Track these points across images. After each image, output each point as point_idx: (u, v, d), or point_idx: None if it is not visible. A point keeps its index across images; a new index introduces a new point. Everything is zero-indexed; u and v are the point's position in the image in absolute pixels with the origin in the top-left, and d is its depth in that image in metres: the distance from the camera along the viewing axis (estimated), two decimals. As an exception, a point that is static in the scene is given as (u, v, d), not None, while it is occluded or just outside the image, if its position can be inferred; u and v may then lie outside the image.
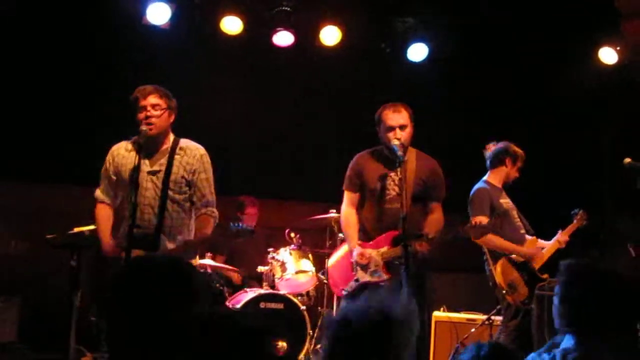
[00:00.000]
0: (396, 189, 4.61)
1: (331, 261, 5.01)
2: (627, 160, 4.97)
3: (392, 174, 4.66)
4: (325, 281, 5.96)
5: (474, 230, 4.56)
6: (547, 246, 5.45)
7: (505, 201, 5.39)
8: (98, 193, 4.40)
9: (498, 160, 5.45)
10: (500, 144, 5.49)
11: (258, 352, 1.59)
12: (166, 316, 1.92)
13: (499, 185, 5.44)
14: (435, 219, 4.75)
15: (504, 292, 5.25)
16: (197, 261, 4.51)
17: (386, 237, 4.67)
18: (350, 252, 4.71)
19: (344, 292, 4.69)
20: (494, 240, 5.11)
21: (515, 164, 5.43)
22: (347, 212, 4.82)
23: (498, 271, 5.30)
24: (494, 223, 4.67)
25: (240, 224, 4.19)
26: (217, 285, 5.87)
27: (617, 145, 5.60)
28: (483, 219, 4.97)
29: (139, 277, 2.00)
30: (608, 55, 6.48)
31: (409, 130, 4.63)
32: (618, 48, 6.37)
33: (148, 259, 2.25)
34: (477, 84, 7.36)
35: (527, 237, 5.40)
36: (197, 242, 4.26)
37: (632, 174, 4.87)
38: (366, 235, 4.75)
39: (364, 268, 4.63)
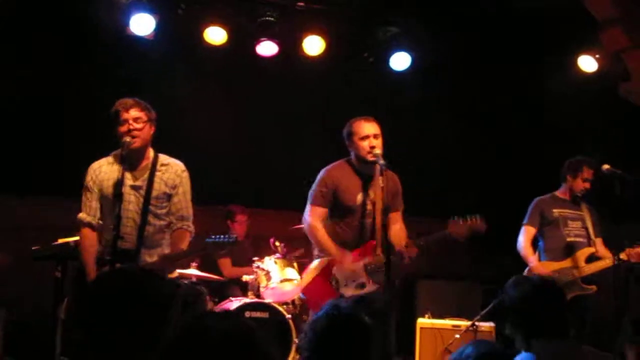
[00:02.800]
0: (370, 204, 4.66)
1: (305, 282, 4.86)
2: (606, 166, 5.06)
3: (370, 190, 4.69)
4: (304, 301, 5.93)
5: (459, 227, 4.58)
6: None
7: (561, 210, 5.64)
8: (82, 215, 4.30)
9: (562, 175, 5.75)
10: (569, 160, 5.73)
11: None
12: (129, 329, 1.96)
13: (566, 196, 5.71)
14: (400, 228, 4.80)
15: None
16: (175, 272, 4.51)
17: (366, 248, 4.68)
18: (328, 268, 4.64)
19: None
20: (523, 247, 5.62)
21: (577, 177, 5.63)
22: (319, 227, 4.68)
23: (530, 267, 5.59)
24: (472, 223, 4.62)
25: (221, 236, 4.20)
26: (199, 288, 5.81)
27: (597, 152, 5.69)
28: (528, 228, 5.58)
29: (103, 291, 2.04)
30: (588, 64, 6.55)
31: (381, 140, 4.65)
32: (597, 56, 6.44)
33: (114, 273, 2.29)
34: (459, 93, 7.44)
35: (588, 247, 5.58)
36: (174, 257, 4.24)
37: (610, 180, 4.95)
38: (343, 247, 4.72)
39: (349, 282, 4.63)
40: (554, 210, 5.64)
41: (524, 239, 5.66)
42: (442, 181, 7.51)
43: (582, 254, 5.53)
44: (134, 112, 4.20)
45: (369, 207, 4.71)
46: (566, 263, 5.54)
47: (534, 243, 5.73)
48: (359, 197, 4.71)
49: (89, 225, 4.28)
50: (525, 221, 5.69)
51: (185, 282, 5.79)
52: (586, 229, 5.61)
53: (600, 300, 5.49)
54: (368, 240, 4.71)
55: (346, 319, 2.53)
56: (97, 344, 1.96)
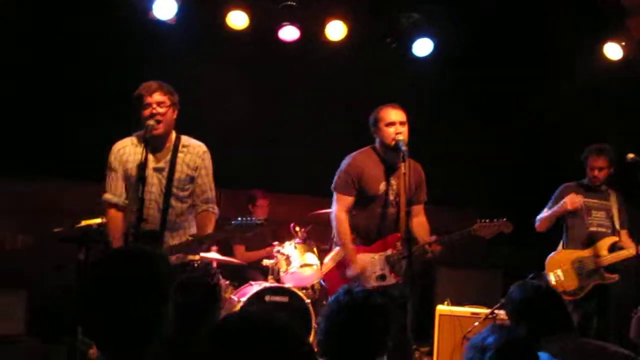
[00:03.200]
0: (393, 194, 4.65)
1: (325, 268, 4.89)
2: (631, 155, 5.01)
3: (393, 179, 4.68)
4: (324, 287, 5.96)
5: (485, 229, 4.58)
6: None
7: (586, 199, 5.57)
8: (108, 196, 4.32)
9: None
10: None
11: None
12: (131, 310, 1.97)
13: (590, 183, 5.64)
14: (422, 222, 4.80)
15: (549, 276, 5.55)
16: (198, 256, 4.53)
17: (389, 239, 4.68)
18: (347, 262, 4.64)
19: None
20: (542, 216, 5.62)
21: (587, 167, 5.59)
22: (342, 218, 4.67)
23: (548, 259, 5.64)
24: (501, 224, 4.63)
25: (248, 218, 4.20)
26: (211, 280, 5.83)
27: (622, 139, 5.63)
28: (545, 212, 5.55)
29: (105, 272, 2.06)
30: (613, 51, 6.47)
31: (407, 128, 4.63)
32: (623, 44, 6.36)
33: (118, 253, 2.31)
34: (482, 79, 7.37)
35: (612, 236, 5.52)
36: (203, 238, 4.24)
37: (635, 168, 4.90)
38: (364, 240, 4.72)
39: (370, 273, 4.62)
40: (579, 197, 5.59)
41: (542, 215, 5.68)
42: (463, 169, 7.45)
43: (605, 242, 5.49)
44: (157, 96, 4.20)
45: (392, 196, 4.69)
46: (588, 252, 5.51)
47: (558, 234, 5.69)
48: (382, 186, 4.69)
49: (115, 205, 4.31)
50: (549, 205, 5.66)
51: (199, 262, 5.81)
52: (611, 219, 5.55)
53: (623, 290, 5.46)
54: (391, 231, 4.68)
55: (359, 302, 2.55)
56: (98, 325, 2.00)
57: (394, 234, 4.68)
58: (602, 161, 5.49)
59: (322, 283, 5.33)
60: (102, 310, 1.98)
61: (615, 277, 5.43)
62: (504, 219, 4.63)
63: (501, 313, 5.91)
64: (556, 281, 5.56)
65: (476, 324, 5.91)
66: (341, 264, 4.73)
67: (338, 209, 4.71)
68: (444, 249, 4.62)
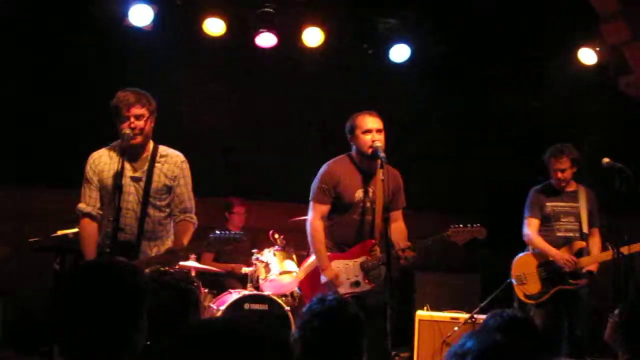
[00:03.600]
0: (369, 201, 4.66)
1: (300, 277, 4.92)
2: (606, 160, 5.04)
3: (370, 186, 4.68)
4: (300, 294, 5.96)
5: (459, 234, 4.60)
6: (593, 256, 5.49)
7: (554, 205, 5.56)
8: (82, 206, 4.28)
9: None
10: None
11: None
12: (106, 320, 1.96)
13: (556, 186, 5.59)
14: (400, 228, 4.79)
15: (512, 280, 5.58)
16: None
17: (362, 246, 4.68)
18: (320, 270, 4.64)
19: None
20: (534, 239, 5.55)
21: (550, 170, 5.56)
22: (317, 226, 4.68)
23: (514, 261, 5.66)
24: (475, 230, 4.65)
25: (227, 232, 4.18)
26: (188, 285, 5.77)
27: (597, 145, 5.68)
28: (532, 220, 5.51)
29: (79, 282, 2.05)
30: (588, 56, 6.54)
31: (384, 135, 4.63)
32: (597, 49, 6.43)
33: (86, 266, 2.30)
34: (459, 84, 7.43)
35: (580, 241, 5.50)
36: (179, 251, 4.22)
37: (610, 173, 4.94)
38: (339, 247, 4.73)
39: (343, 280, 4.62)
40: (548, 204, 5.58)
41: (530, 231, 5.60)
42: (441, 174, 7.50)
43: (573, 247, 5.47)
44: (135, 110, 4.15)
45: (368, 204, 4.69)
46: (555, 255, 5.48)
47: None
48: (359, 194, 4.70)
49: (89, 215, 4.26)
50: (527, 214, 5.63)
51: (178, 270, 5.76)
52: (579, 223, 5.52)
53: (596, 294, 5.50)
54: (367, 238, 4.70)
55: (331, 309, 2.55)
56: (73, 339, 1.97)
57: (368, 240, 4.69)
58: (564, 162, 5.45)
59: (298, 291, 5.32)
60: (75, 323, 1.96)
61: (581, 282, 5.42)
62: (478, 225, 4.66)
63: (481, 318, 5.94)
64: (518, 284, 5.58)
65: (456, 328, 5.92)
66: (315, 272, 4.73)
67: (313, 217, 4.72)
68: (418, 255, 4.63)
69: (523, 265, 5.61)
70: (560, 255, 5.44)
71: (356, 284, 4.63)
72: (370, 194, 4.69)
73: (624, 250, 5.12)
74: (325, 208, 4.71)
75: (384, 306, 4.24)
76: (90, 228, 4.25)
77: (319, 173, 4.78)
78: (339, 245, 4.73)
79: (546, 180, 5.66)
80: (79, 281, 2.04)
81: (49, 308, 2.03)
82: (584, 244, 5.48)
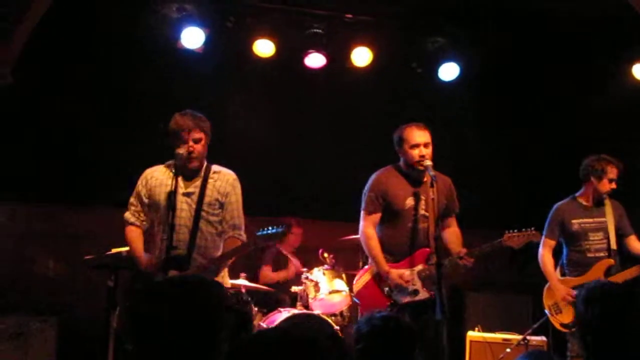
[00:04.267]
0: (424, 208, 4.62)
1: (356, 287, 4.92)
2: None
3: (421, 194, 4.67)
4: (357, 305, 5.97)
5: (514, 239, 4.55)
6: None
7: (581, 221, 5.40)
8: (128, 215, 4.47)
9: (583, 176, 5.48)
10: (586, 159, 5.46)
11: None
12: (182, 340, 1.94)
13: (588, 202, 5.45)
14: (455, 233, 4.83)
15: (546, 311, 5.41)
16: (228, 282, 4.55)
17: (419, 255, 4.67)
18: (383, 276, 4.67)
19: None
20: (544, 263, 5.42)
21: (602, 178, 5.35)
22: (370, 234, 4.74)
23: (545, 289, 5.51)
24: (530, 234, 4.59)
25: (270, 227, 4.21)
26: (243, 307, 5.84)
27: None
28: (547, 240, 5.37)
29: (153, 300, 2.02)
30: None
31: (431, 149, 4.65)
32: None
33: (175, 281, 2.26)
34: (508, 102, 7.35)
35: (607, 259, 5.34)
36: (222, 257, 4.29)
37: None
38: (393, 256, 4.74)
39: (402, 289, 4.62)
40: (574, 222, 5.38)
41: (543, 251, 5.46)
42: (492, 191, 7.40)
43: (600, 267, 5.30)
44: (195, 134, 4.29)
45: (422, 211, 4.69)
46: (585, 278, 5.27)
47: (558, 253, 5.57)
48: (409, 201, 4.72)
49: (133, 224, 4.44)
50: (545, 233, 5.44)
51: (231, 290, 5.83)
52: (608, 239, 5.33)
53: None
54: (422, 246, 4.69)
55: (378, 329, 2.53)
56: (149, 355, 1.95)
57: (422, 248, 4.68)
58: (617, 172, 5.32)
59: (356, 300, 5.31)
60: (155, 339, 1.95)
61: None
62: (532, 229, 4.63)
63: (533, 339, 5.83)
64: (552, 314, 5.40)
65: (508, 350, 5.82)
66: (374, 279, 4.75)
67: (365, 226, 4.79)
68: (475, 262, 4.60)
69: (554, 294, 5.42)
70: (559, 288, 5.33)
71: (415, 292, 4.63)
72: (422, 202, 4.68)
73: None
74: (375, 217, 4.76)
75: (437, 323, 4.20)
76: (135, 233, 4.43)
77: (368, 183, 4.85)
78: (393, 254, 4.73)
79: (569, 196, 5.52)
80: (157, 298, 2.03)
81: (121, 325, 2.02)
82: (612, 262, 5.29)
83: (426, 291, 4.62)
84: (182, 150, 4.22)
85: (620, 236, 5.41)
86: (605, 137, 6.87)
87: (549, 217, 5.51)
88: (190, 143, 4.26)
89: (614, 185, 5.35)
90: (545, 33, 6.64)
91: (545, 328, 5.78)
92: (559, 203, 5.53)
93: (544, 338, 5.88)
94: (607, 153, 5.45)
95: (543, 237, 5.45)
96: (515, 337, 5.94)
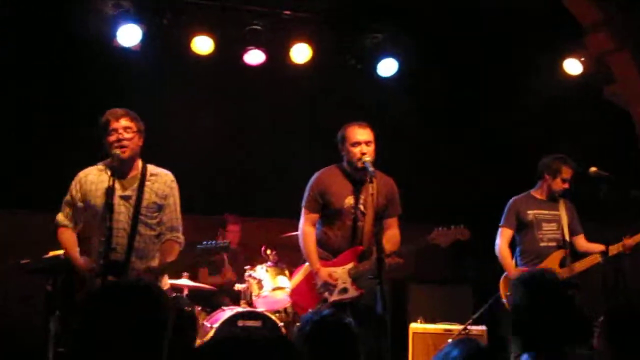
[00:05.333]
0: (362, 207, 4.68)
1: (292, 285, 4.96)
2: (593, 169, 5.08)
3: (361, 193, 4.71)
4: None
5: (443, 236, 4.61)
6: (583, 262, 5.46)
7: (536, 212, 5.53)
8: (61, 217, 4.36)
9: (539, 173, 5.61)
10: (544, 157, 5.59)
11: None
12: (137, 343, 1.95)
13: (542, 197, 5.58)
14: (393, 235, 4.81)
15: (503, 300, 5.54)
16: (167, 283, 4.50)
17: (350, 253, 4.71)
18: (314, 273, 4.71)
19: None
20: (501, 253, 5.55)
21: (556, 177, 5.49)
22: (307, 232, 4.78)
23: (502, 279, 5.61)
24: (458, 231, 4.65)
25: (213, 242, 4.21)
26: (188, 308, 5.80)
27: (582, 154, 5.72)
28: (504, 230, 5.51)
29: (110, 303, 2.02)
30: (573, 66, 6.61)
31: (373, 147, 4.69)
32: (582, 59, 6.50)
33: (120, 285, 2.26)
34: (446, 97, 7.48)
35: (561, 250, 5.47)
36: (159, 269, 4.23)
37: (597, 182, 4.97)
38: (329, 254, 4.77)
39: (332, 288, 4.66)
40: (529, 212, 5.55)
41: (500, 241, 5.61)
42: (427, 186, 7.52)
43: (555, 258, 5.46)
44: (124, 122, 4.21)
45: (362, 209, 4.72)
46: (544, 267, 5.40)
47: (512, 245, 5.69)
48: (348, 200, 4.74)
49: (66, 227, 4.35)
50: (501, 223, 5.61)
51: (175, 298, 5.76)
52: (562, 230, 5.51)
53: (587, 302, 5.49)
54: (358, 245, 4.72)
55: (328, 324, 2.55)
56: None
57: (355, 247, 4.72)
58: (571, 172, 5.46)
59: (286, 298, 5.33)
60: (100, 344, 1.95)
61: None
62: (461, 226, 4.64)
63: (474, 329, 5.96)
64: (509, 303, 5.45)
65: (450, 340, 5.90)
66: (308, 278, 4.79)
67: (303, 223, 4.83)
68: (405, 261, 4.63)
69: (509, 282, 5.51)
70: (515, 276, 5.42)
71: (344, 290, 4.66)
72: (362, 201, 4.72)
73: (613, 249, 5.18)
74: (314, 215, 4.81)
75: (378, 317, 4.26)
76: (68, 234, 4.34)
77: (309, 181, 4.87)
78: (330, 252, 4.77)
79: (524, 192, 5.66)
80: (101, 303, 2.03)
81: (50, 331, 2.01)
82: (564, 252, 5.45)
83: (355, 289, 4.65)
84: (117, 151, 4.14)
85: (570, 233, 5.53)
86: (540, 131, 7.09)
87: (506, 208, 5.65)
88: (120, 131, 4.18)
89: (566, 185, 5.49)
90: (481, 27, 6.79)
91: (485, 318, 5.94)
92: (515, 197, 5.68)
93: (484, 327, 6.01)
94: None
95: (500, 227, 5.63)
96: (457, 327, 6.05)
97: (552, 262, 5.46)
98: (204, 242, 4.19)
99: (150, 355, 1.97)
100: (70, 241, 4.33)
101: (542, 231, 5.53)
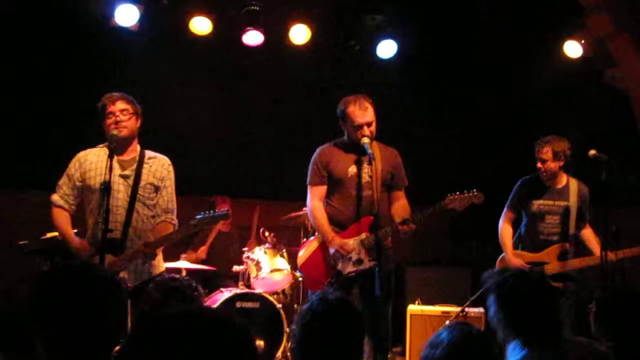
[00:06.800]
0: (367, 174, 4.66)
1: (301, 259, 4.89)
2: (592, 152, 5.04)
3: (364, 162, 4.69)
4: (300, 279, 6.00)
5: (457, 201, 4.59)
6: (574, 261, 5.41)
7: (541, 203, 5.45)
8: (56, 197, 4.37)
9: None
10: None
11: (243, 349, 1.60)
12: (80, 320, 1.99)
13: (551, 182, 5.46)
14: (402, 205, 4.83)
15: None
16: (162, 265, 4.50)
17: (362, 223, 4.67)
18: (326, 245, 4.69)
19: (326, 288, 4.51)
20: (502, 234, 5.55)
21: (537, 159, 5.42)
22: (316, 206, 4.76)
23: (499, 259, 5.62)
24: (472, 196, 4.61)
25: (211, 212, 4.21)
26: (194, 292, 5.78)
27: (583, 137, 5.69)
28: (508, 212, 5.53)
29: (50, 286, 2.07)
30: (573, 49, 6.58)
31: (374, 125, 4.68)
32: (583, 42, 6.46)
33: (62, 268, 2.29)
34: (446, 79, 7.45)
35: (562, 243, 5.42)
36: (155, 243, 4.24)
37: (597, 165, 4.95)
38: (339, 226, 4.74)
39: (346, 259, 4.64)
40: (534, 202, 5.46)
41: (502, 223, 5.60)
42: (429, 168, 7.51)
43: (553, 250, 5.42)
44: (120, 105, 4.26)
45: (366, 178, 4.68)
46: (539, 257, 5.44)
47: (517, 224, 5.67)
48: (351, 169, 4.72)
49: (61, 207, 4.36)
50: (507, 204, 5.59)
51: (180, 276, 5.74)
52: (564, 223, 5.41)
53: (583, 291, 5.49)
54: (366, 215, 4.65)
55: (334, 309, 2.53)
56: (55, 338, 1.99)
57: (366, 217, 4.66)
58: (545, 153, 5.33)
59: (299, 273, 5.29)
60: (60, 323, 1.98)
61: (560, 285, 5.31)
62: (475, 190, 4.62)
63: (472, 311, 5.98)
64: None
65: (447, 322, 5.95)
66: (320, 249, 4.76)
67: (311, 199, 4.81)
68: (418, 226, 4.59)
69: (508, 262, 5.51)
70: (513, 262, 5.43)
71: (359, 261, 4.63)
72: (365, 169, 4.69)
73: (612, 256, 5.10)
74: (321, 189, 4.78)
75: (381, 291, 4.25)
76: (62, 215, 4.35)
77: (312, 158, 4.86)
78: (339, 225, 4.74)
79: (528, 175, 5.57)
80: (64, 283, 2.06)
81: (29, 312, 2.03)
82: (567, 246, 5.41)
83: (369, 260, 4.57)
84: (114, 131, 4.16)
85: (579, 220, 5.48)
86: (540, 113, 7.06)
87: (513, 190, 5.60)
88: (117, 113, 4.23)
89: (542, 166, 5.38)
90: (481, 9, 6.73)
91: (484, 300, 5.94)
92: (524, 178, 5.60)
93: (481, 309, 6.03)
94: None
95: (505, 208, 5.61)
96: (454, 309, 6.07)
97: (549, 254, 5.44)
98: (202, 213, 4.21)
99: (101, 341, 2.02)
100: (65, 222, 4.36)
101: (545, 223, 5.46)
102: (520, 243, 5.63)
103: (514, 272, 3.01)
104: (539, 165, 5.42)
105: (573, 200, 5.44)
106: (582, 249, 5.55)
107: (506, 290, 2.85)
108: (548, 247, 5.45)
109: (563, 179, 5.49)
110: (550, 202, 5.47)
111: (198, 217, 4.17)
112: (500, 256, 5.65)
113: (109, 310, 2.04)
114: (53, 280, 2.08)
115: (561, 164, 5.39)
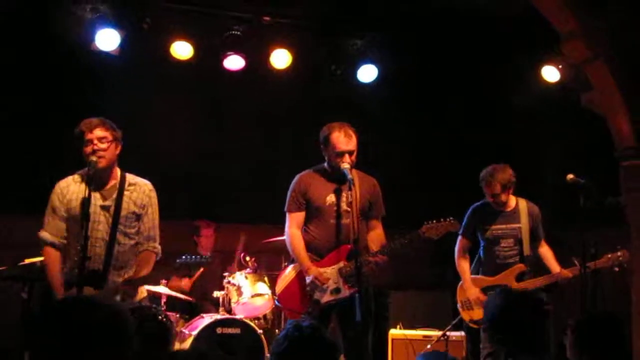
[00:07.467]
0: (345, 203, 4.65)
1: (279, 288, 4.87)
2: (570, 176, 5.09)
3: (343, 191, 4.69)
4: (280, 309, 5.96)
5: (433, 229, 4.59)
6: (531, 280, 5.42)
7: (494, 228, 5.48)
8: (45, 235, 4.24)
9: None
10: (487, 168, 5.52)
11: None
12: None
13: (498, 207, 5.49)
14: (378, 235, 4.83)
15: (458, 305, 5.48)
16: (144, 291, 4.46)
17: (340, 251, 4.67)
18: (304, 272, 4.66)
19: (303, 317, 4.51)
20: (458, 262, 5.63)
21: (486, 193, 5.46)
22: (294, 233, 4.74)
23: (459, 286, 5.63)
24: (448, 224, 4.64)
25: (193, 256, 4.20)
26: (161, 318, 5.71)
27: (559, 161, 5.75)
28: (462, 240, 5.57)
29: (67, 318, 2.00)
30: (550, 74, 6.67)
31: (356, 154, 4.70)
32: (560, 66, 6.55)
33: (80, 300, 2.23)
34: (427, 103, 7.51)
35: (519, 264, 5.44)
36: (136, 281, 4.21)
37: (574, 189, 4.99)
38: (317, 254, 4.73)
39: (323, 288, 4.62)
40: (487, 227, 5.50)
41: (458, 252, 5.65)
42: (406, 193, 7.53)
43: (512, 271, 5.44)
44: (98, 132, 4.16)
45: (344, 206, 4.67)
46: (496, 280, 5.46)
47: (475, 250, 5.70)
48: (330, 198, 4.72)
49: (52, 244, 4.24)
50: (461, 231, 5.54)
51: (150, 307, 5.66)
52: (519, 245, 5.44)
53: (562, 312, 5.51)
54: (345, 243, 4.66)
55: (307, 337, 2.55)
56: None
57: (344, 245, 4.65)
58: (495, 188, 5.35)
59: (278, 304, 5.28)
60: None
61: None
62: (451, 218, 4.65)
63: (453, 334, 5.99)
64: (463, 310, 5.56)
65: (429, 346, 5.96)
66: (298, 279, 4.73)
67: (289, 226, 4.79)
68: (390, 257, 4.60)
69: (466, 291, 5.56)
70: (470, 289, 5.50)
71: (336, 290, 4.61)
72: (344, 198, 4.68)
73: (566, 273, 5.27)
74: (299, 216, 4.77)
75: (358, 324, 4.23)
76: (54, 257, 4.22)
77: (291, 185, 4.85)
78: (317, 253, 4.72)
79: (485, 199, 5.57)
80: (63, 318, 2.00)
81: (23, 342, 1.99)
82: (523, 267, 5.43)
83: (348, 288, 4.57)
84: (93, 158, 4.10)
85: (533, 240, 5.52)
86: (520, 136, 7.13)
87: (466, 217, 5.62)
88: (95, 141, 4.13)
89: (496, 200, 5.42)
90: (461, 35, 6.82)
91: (465, 324, 5.95)
92: (475, 205, 5.63)
93: (462, 333, 6.04)
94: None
95: (460, 235, 5.61)
96: (436, 333, 6.08)
97: (507, 277, 5.45)
98: (184, 257, 4.17)
99: None
100: (55, 268, 4.20)
101: (500, 247, 5.50)
102: (480, 267, 5.65)
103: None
104: (491, 200, 5.46)
105: (524, 221, 5.48)
106: (542, 267, 5.57)
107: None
108: (506, 270, 5.47)
109: (512, 202, 5.54)
110: (503, 226, 5.51)
111: (179, 260, 4.15)
112: (460, 283, 5.66)
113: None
114: (50, 320, 2.01)
115: (510, 192, 5.45)
